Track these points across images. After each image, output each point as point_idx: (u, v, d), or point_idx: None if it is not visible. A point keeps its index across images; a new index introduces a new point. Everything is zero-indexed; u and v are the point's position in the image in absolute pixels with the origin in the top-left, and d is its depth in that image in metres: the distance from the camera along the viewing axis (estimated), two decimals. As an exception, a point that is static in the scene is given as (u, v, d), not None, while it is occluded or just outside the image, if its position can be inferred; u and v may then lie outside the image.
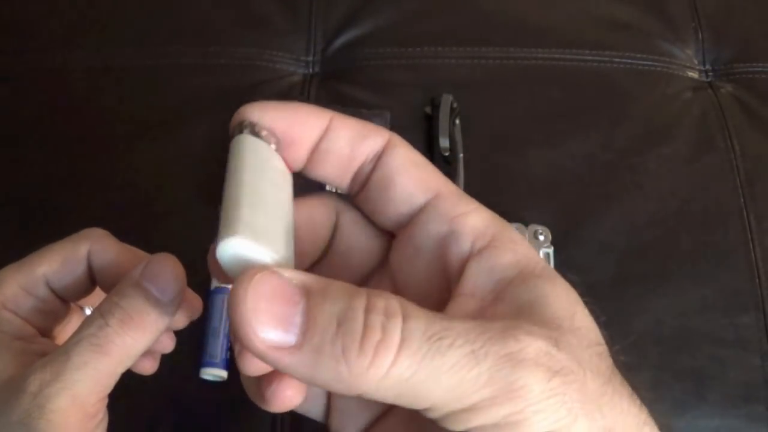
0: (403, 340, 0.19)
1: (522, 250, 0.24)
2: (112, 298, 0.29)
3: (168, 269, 0.29)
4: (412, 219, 0.25)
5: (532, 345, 0.20)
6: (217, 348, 0.48)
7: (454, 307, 0.23)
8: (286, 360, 0.19)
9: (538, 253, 0.51)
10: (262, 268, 0.20)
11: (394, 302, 0.20)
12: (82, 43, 0.62)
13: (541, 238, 0.52)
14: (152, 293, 0.28)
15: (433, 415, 0.20)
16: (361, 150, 0.25)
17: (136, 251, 0.33)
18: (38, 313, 0.32)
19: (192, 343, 0.48)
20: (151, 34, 0.63)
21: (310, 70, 0.63)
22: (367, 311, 0.19)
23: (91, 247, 0.32)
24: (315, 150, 0.25)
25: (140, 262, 0.30)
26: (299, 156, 0.25)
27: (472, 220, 0.24)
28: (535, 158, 0.58)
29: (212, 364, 0.48)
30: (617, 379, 0.22)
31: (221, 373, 0.48)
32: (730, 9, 0.67)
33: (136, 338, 0.28)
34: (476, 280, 0.23)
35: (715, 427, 0.49)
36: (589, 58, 0.63)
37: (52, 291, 0.32)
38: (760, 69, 0.64)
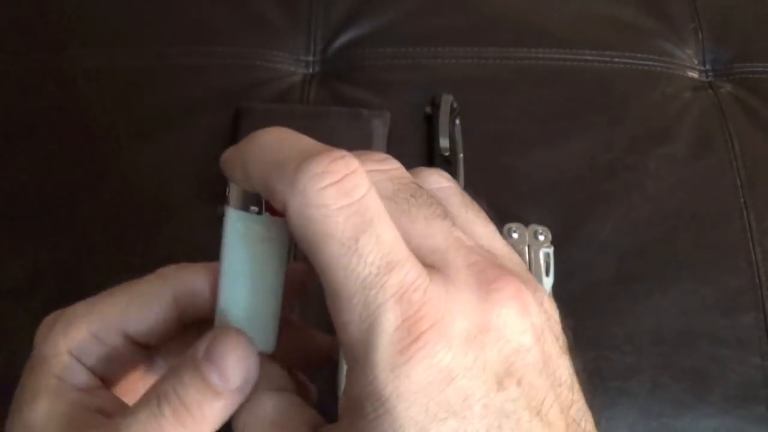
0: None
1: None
2: (170, 380, 0.25)
3: (233, 351, 0.25)
4: None
5: None
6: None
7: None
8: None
9: (538, 253, 0.51)
10: None
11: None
12: (82, 43, 0.62)
13: (541, 238, 0.52)
14: (213, 381, 0.24)
15: None
16: None
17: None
18: (106, 361, 0.28)
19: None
20: (151, 34, 0.63)
21: (310, 70, 0.63)
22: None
23: (175, 290, 0.28)
24: None
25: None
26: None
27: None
28: (535, 158, 0.57)
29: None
30: None
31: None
32: (730, 9, 0.67)
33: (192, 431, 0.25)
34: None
35: (715, 427, 0.49)
36: (589, 58, 0.63)
37: (128, 337, 0.28)
38: (760, 69, 0.63)
